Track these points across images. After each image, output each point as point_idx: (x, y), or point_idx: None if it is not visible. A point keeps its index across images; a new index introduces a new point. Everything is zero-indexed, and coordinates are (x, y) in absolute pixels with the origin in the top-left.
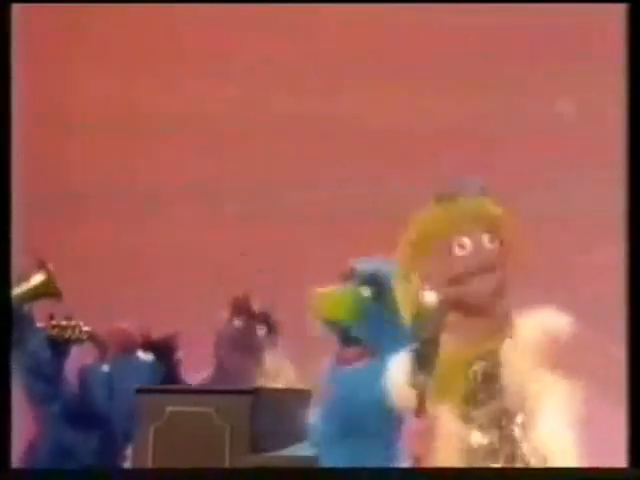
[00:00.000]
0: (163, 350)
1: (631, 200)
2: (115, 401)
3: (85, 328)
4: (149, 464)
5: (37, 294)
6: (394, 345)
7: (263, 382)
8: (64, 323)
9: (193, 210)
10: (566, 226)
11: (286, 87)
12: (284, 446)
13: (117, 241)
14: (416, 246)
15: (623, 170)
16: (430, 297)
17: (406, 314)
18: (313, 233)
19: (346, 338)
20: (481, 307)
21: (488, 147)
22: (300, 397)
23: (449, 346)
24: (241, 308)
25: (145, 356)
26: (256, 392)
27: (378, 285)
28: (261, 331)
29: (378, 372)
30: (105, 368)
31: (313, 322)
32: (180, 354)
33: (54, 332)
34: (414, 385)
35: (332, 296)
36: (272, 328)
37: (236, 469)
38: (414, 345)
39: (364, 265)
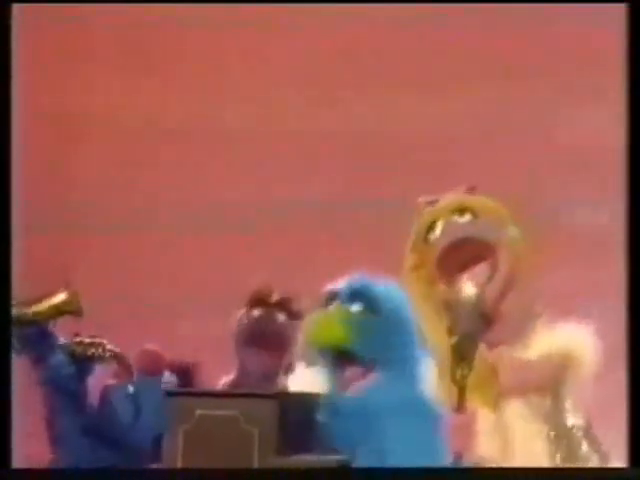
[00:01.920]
0: (187, 374)
1: (631, 210)
2: (139, 422)
3: (109, 347)
4: (178, 466)
5: (59, 312)
6: (395, 354)
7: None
8: (88, 341)
9: (196, 214)
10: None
11: (292, 93)
12: (312, 450)
13: (118, 245)
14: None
15: (622, 168)
16: (469, 290)
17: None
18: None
19: (343, 359)
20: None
21: (491, 153)
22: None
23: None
24: (258, 299)
25: (170, 379)
26: (283, 395)
27: (367, 298)
28: (281, 319)
29: (391, 384)
30: (130, 389)
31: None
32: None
33: (78, 349)
34: (454, 380)
35: (321, 321)
36: (293, 315)
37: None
38: (453, 340)
39: (346, 283)
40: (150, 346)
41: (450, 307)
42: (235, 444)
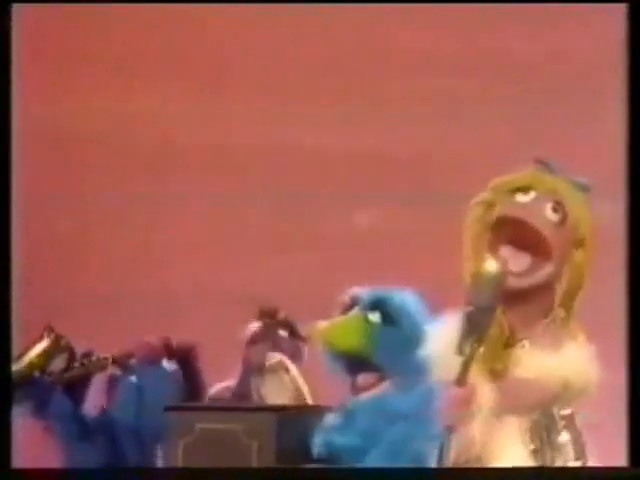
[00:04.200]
0: (184, 358)
1: (631, 215)
2: (145, 412)
3: (104, 356)
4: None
5: (48, 357)
6: (410, 368)
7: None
8: (85, 362)
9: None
10: None
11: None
12: (311, 463)
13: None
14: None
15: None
16: (491, 265)
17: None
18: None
19: (359, 366)
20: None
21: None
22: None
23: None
24: (265, 314)
25: (169, 365)
26: (282, 409)
27: (386, 309)
28: (283, 333)
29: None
30: (133, 379)
31: (321, 355)
32: (199, 363)
33: (76, 372)
34: (461, 352)
35: (339, 326)
36: (296, 334)
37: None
38: (468, 310)
39: (366, 292)
40: (148, 337)
41: (474, 279)
42: (235, 457)
